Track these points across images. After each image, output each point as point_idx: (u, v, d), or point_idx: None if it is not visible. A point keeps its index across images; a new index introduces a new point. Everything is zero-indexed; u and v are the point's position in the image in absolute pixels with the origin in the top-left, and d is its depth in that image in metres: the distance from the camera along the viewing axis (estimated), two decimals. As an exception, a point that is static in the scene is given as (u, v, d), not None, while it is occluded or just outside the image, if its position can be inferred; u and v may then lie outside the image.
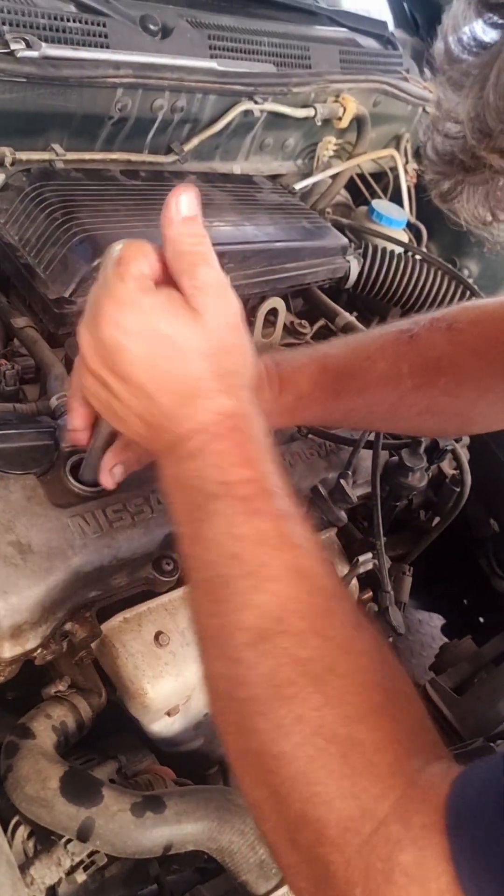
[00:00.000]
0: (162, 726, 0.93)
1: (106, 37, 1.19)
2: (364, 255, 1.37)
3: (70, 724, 0.81)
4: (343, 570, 1.05)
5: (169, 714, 0.92)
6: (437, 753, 0.51)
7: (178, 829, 0.73)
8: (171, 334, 0.59)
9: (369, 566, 1.02)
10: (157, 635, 0.90)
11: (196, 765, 1.05)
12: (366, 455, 1.06)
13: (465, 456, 1.19)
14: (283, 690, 0.51)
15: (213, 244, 0.64)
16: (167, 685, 0.88)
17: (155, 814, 0.71)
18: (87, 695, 0.85)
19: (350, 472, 1.01)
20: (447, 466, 1.23)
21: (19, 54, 1.07)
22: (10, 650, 0.76)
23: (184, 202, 0.60)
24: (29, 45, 1.08)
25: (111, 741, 0.94)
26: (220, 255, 0.91)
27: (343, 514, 0.99)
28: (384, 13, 1.89)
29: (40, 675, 0.89)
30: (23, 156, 1.15)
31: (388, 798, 0.47)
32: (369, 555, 1.02)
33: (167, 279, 0.61)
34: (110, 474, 0.75)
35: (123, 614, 0.90)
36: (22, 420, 0.88)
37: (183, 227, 0.60)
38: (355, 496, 1.01)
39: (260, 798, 0.52)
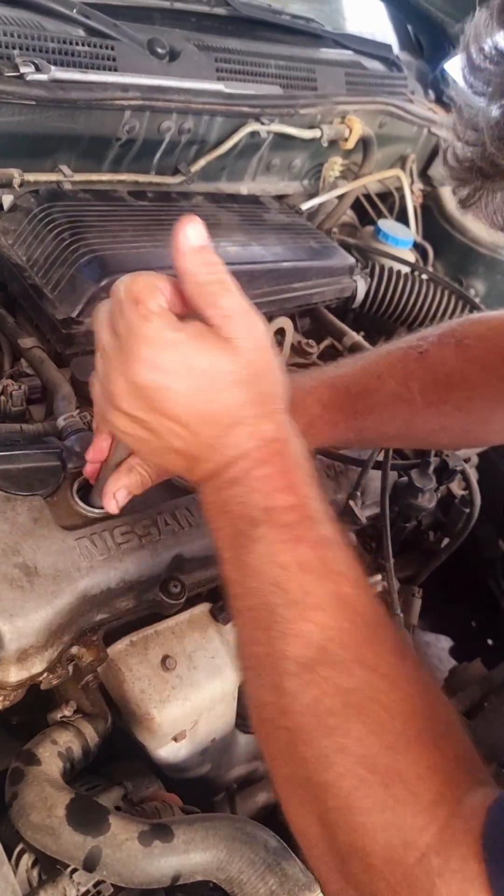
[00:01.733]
0: (168, 752, 0.92)
1: (114, 60, 1.20)
2: (371, 275, 1.37)
3: (76, 751, 0.80)
4: (352, 591, 1.04)
5: (175, 739, 0.91)
6: (480, 778, 0.51)
7: (187, 858, 0.71)
8: (207, 367, 0.58)
9: (378, 588, 1.01)
10: (164, 659, 0.88)
11: (202, 791, 1.03)
12: (374, 476, 1.05)
13: (474, 476, 1.18)
14: (327, 720, 0.51)
15: (222, 264, 0.63)
16: (174, 710, 0.87)
17: (163, 843, 0.69)
18: (93, 720, 0.83)
19: (359, 493, 1.01)
20: (456, 487, 1.22)
21: (28, 77, 1.08)
22: (16, 674, 0.74)
23: (192, 232, 0.58)
24: (38, 69, 1.09)
25: (116, 767, 0.92)
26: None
27: (353, 536, 0.98)
28: (389, 36, 1.90)
29: (45, 699, 0.88)
30: (31, 177, 1.16)
31: (430, 829, 0.47)
32: (378, 577, 1.01)
33: (183, 306, 0.61)
34: (114, 499, 0.74)
35: (129, 637, 0.88)
36: (29, 441, 0.87)
37: (196, 258, 0.59)
38: (364, 517, 1.00)
39: (307, 825, 0.52)
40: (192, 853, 0.70)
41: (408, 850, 0.46)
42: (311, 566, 0.56)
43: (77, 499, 0.84)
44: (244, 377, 0.59)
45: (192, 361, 0.58)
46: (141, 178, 1.29)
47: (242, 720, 1.03)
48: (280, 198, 1.52)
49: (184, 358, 0.58)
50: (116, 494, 0.74)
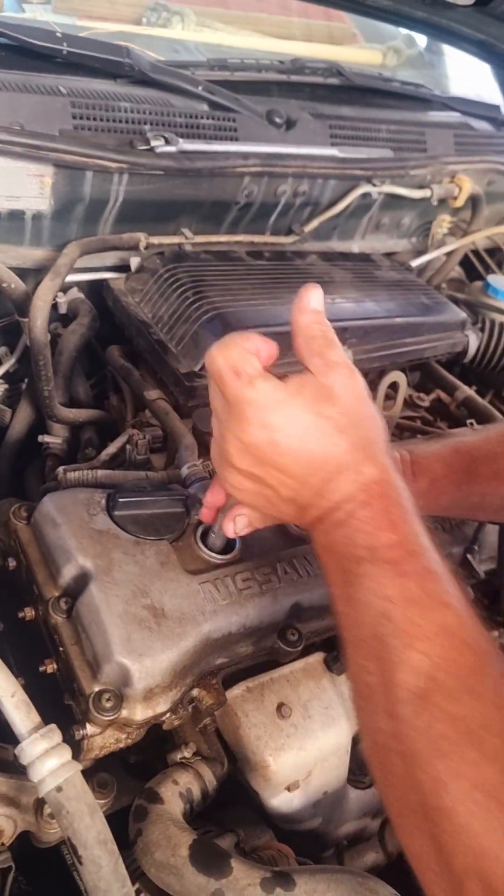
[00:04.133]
0: (281, 802, 0.91)
1: (235, 130, 1.28)
2: (482, 329, 1.38)
3: (195, 793, 0.81)
4: (466, 648, 1.02)
5: (289, 789, 0.90)
6: None
7: (306, 909, 0.70)
8: (311, 419, 0.64)
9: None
10: (280, 707, 0.89)
11: (312, 845, 1.01)
12: (491, 530, 1.04)
13: None
14: (440, 744, 0.52)
15: (336, 320, 0.68)
16: (289, 758, 0.87)
17: (285, 891, 0.69)
18: (211, 763, 0.84)
19: (476, 547, 1.00)
20: None
21: (159, 150, 1.16)
22: (142, 713, 0.77)
23: (313, 298, 0.67)
24: (167, 142, 1.18)
25: (228, 814, 0.92)
26: (343, 331, 0.93)
27: (470, 590, 0.97)
28: (496, 96, 1.93)
29: (160, 740, 0.90)
30: (155, 240, 1.24)
31: None
32: (495, 633, 0.99)
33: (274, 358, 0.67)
34: (233, 522, 0.77)
35: (246, 683, 0.89)
36: (155, 488, 0.91)
37: (312, 317, 0.67)
38: (482, 571, 0.99)
39: (422, 849, 0.53)
40: (312, 904, 0.70)
41: None
42: (416, 598, 0.58)
43: (200, 544, 0.87)
44: (344, 424, 0.64)
45: (297, 416, 0.64)
46: (256, 238, 1.36)
47: (354, 775, 1.01)
48: (389, 255, 1.56)
49: (289, 414, 0.64)
50: (237, 518, 0.77)
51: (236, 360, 0.64)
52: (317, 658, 0.94)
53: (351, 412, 0.65)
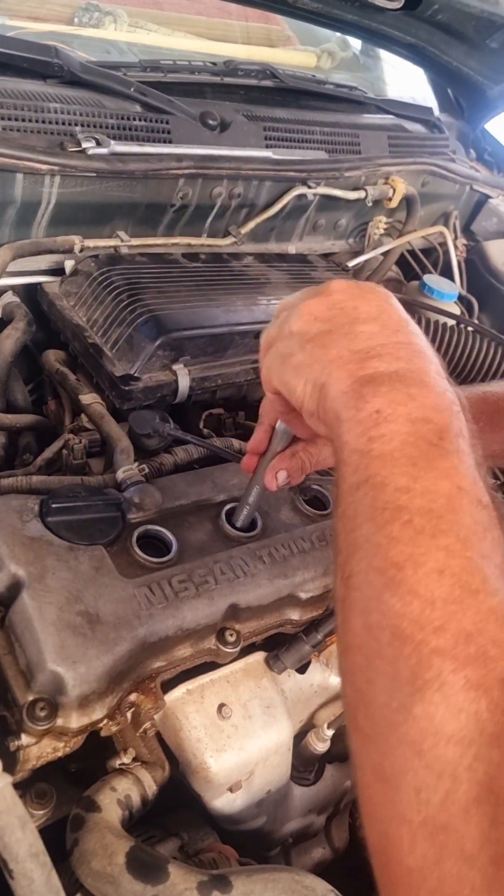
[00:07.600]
0: (224, 803, 0.91)
1: (169, 132, 1.28)
2: (417, 328, 1.40)
3: (135, 799, 0.80)
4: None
5: (231, 790, 0.91)
6: None
7: (245, 910, 0.71)
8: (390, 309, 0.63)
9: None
10: (220, 707, 0.89)
11: (258, 845, 1.02)
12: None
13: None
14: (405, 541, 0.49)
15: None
16: (230, 759, 0.87)
17: (222, 893, 0.69)
18: (151, 768, 0.84)
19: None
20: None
21: (90, 152, 1.15)
22: (77, 720, 0.76)
23: None
24: (99, 143, 1.17)
25: (172, 818, 0.92)
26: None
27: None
28: (429, 99, 1.97)
29: (102, 747, 0.89)
30: (90, 243, 1.22)
31: None
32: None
33: None
34: (275, 477, 0.79)
35: (186, 685, 0.89)
36: (90, 492, 0.91)
37: None
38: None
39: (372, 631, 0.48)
40: (250, 905, 0.70)
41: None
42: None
43: (137, 548, 0.86)
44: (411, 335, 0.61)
45: (384, 302, 0.64)
46: (193, 241, 1.36)
47: (298, 772, 1.02)
48: (326, 256, 1.57)
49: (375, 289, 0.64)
50: (278, 473, 0.79)
51: None
52: (257, 658, 0.95)
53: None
